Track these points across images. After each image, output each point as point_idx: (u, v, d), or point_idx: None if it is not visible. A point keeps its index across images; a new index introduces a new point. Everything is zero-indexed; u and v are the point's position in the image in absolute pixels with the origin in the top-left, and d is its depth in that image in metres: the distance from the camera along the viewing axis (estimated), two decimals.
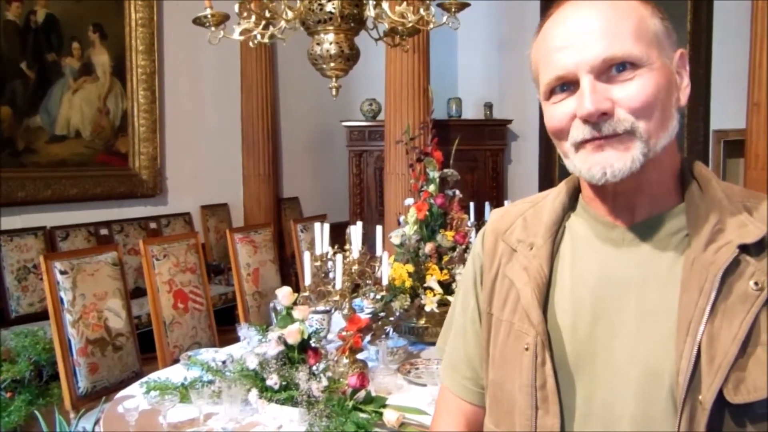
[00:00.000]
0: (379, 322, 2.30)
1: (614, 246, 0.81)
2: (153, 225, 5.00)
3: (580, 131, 0.76)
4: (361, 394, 1.78)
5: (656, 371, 0.74)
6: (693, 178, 0.81)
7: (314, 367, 1.87)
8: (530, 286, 0.83)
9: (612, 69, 0.75)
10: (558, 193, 0.90)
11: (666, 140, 0.77)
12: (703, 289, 0.72)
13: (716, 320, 0.71)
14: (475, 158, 6.03)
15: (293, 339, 1.88)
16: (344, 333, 2.10)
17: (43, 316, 3.75)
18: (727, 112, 5.17)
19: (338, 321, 2.44)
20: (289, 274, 5.29)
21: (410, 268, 2.40)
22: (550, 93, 0.80)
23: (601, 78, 0.75)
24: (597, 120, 0.75)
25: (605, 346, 0.78)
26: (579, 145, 0.77)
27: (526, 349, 0.81)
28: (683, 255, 0.76)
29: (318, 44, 2.10)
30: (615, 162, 0.75)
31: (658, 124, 0.75)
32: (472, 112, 6.37)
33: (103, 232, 4.64)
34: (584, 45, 0.75)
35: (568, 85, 0.78)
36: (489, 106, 6.24)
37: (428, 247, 2.49)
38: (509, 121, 6.21)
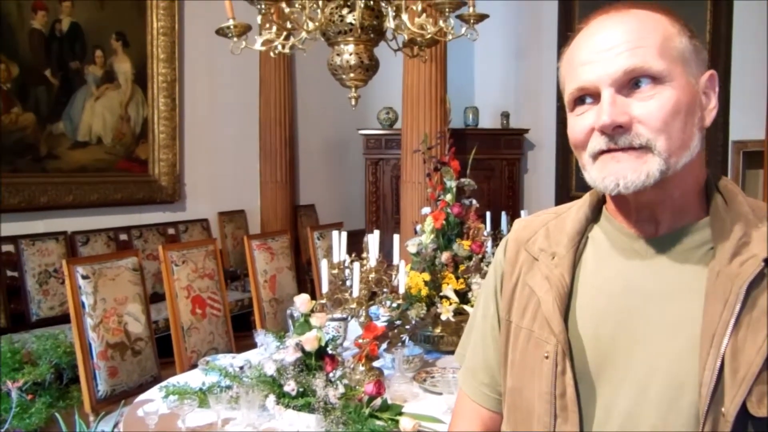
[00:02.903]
0: (396, 331, 2.31)
1: (638, 257, 0.82)
2: (171, 231, 5.06)
3: (597, 142, 0.78)
4: (378, 401, 1.80)
5: (679, 382, 0.74)
6: (718, 193, 0.82)
7: (331, 374, 1.89)
8: (552, 294, 0.84)
9: (633, 83, 0.76)
10: (582, 204, 0.91)
11: (687, 159, 0.77)
12: (727, 302, 0.72)
13: (740, 333, 0.71)
14: (491, 167, 6.03)
15: (311, 346, 1.90)
16: (361, 341, 2.12)
17: (62, 319, 3.81)
18: (746, 123, 5.13)
19: (354, 328, 2.46)
20: (304, 281, 5.32)
21: (426, 276, 2.41)
22: (574, 105, 0.82)
23: (623, 92, 0.76)
24: (613, 132, 0.76)
25: (627, 355, 0.78)
26: (596, 156, 0.79)
27: (546, 357, 0.82)
28: (707, 267, 0.76)
29: (338, 55, 2.13)
30: (629, 174, 0.76)
31: (678, 142, 0.76)
32: (488, 121, 6.37)
33: (123, 237, 4.70)
34: (608, 59, 0.77)
35: (591, 97, 0.79)
36: (506, 116, 6.25)
37: (445, 256, 2.50)
38: (526, 131, 6.20)
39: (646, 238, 0.82)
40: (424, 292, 2.38)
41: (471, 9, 2.12)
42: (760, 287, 0.73)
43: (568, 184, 6.14)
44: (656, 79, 0.76)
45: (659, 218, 0.81)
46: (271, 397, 1.84)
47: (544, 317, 0.84)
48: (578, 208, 0.91)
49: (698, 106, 0.79)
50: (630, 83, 0.76)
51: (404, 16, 2.12)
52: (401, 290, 2.28)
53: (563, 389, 0.80)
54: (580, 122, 0.81)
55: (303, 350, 1.91)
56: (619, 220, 0.86)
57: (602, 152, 0.78)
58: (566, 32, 6.15)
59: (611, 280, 0.83)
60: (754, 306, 0.72)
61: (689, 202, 0.81)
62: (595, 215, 0.90)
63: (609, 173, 0.77)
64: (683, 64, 0.78)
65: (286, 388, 1.84)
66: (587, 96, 0.80)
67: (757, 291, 0.72)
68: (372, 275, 2.30)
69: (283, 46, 2.14)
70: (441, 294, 2.43)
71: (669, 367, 0.75)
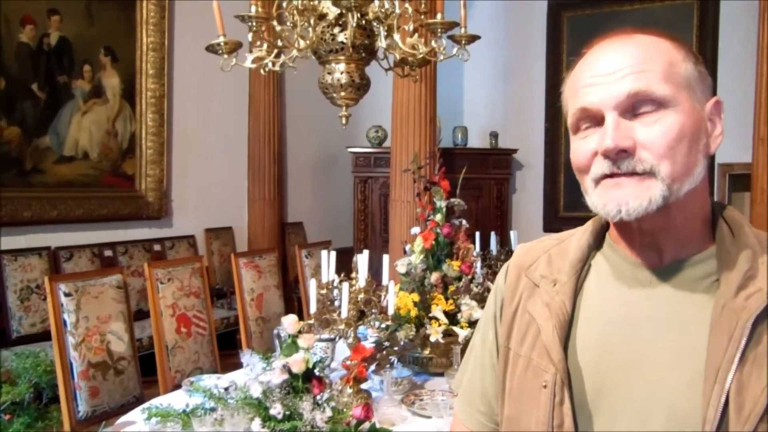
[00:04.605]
0: (384, 352, 2.28)
1: (641, 286, 0.80)
2: (157, 247, 5.00)
3: (600, 167, 0.77)
4: (366, 425, 1.76)
5: (681, 415, 0.72)
6: (725, 223, 0.80)
7: (318, 397, 1.85)
8: (552, 322, 0.82)
9: (637, 106, 0.75)
10: (584, 231, 0.89)
11: (690, 186, 0.76)
12: (733, 336, 0.71)
13: (746, 368, 0.70)
14: (479, 187, 6.03)
15: (298, 368, 1.86)
16: (349, 362, 2.09)
17: (44, 336, 3.74)
18: (732, 146, 5.16)
19: (342, 349, 2.42)
20: (291, 300, 5.27)
21: (416, 297, 2.39)
22: (577, 127, 0.81)
23: (626, 116, 0.75)
24: (616, 157, 0.75)
25: (627, 385, 0.76)
26: (598, 181, 0.77)
27: (545, 386, 0.80)
28: (712, 299, 0.75)
29: (329, 73, 2.12)
30: (631, 200, 0.74)
31: (682, 168, 0.75)
32: (477, 140, 6.39)
33: (108, 253, 4.64)
34: (611, 82, 0.76)
35: (593, 120, 0.78)
36: (494, 135, 6.27)
37: (434, 277, 2.48)
38: (514, 151, 6.23)
39: (650, 267, 0.80)
40: (413, 312, 2.36)
41: (462, 30, 2.12)
42: (766, 322, 0.71)
43: (557, 204, 6.15)
44: (661, 103, 0.75)
45: (663, 246, 0.80)
46: (257, 421, 1.80)
47: (543, 345, 0.82)
48: (581, 234, 0.89)
49: (703, 132, 0.78)
50: (634, 107, 0.75)
51: (396, 36, 2.12)
52: (390, 311, 2.25)
53: (561, 420, 0.78)
54: (583, 146, 0.79)
55: (290, 372, 1.87)
56: (622, 248, 0.84)
57: (604, 177, 0.76)
58: (554, 54, 6.23)
59: (614, 308, 0.81)
60: (759, 341, 0.70)
61: (694, 231, 0.80)
62: (598, 242, 0.88)
63: (611, 199, 0.76)
64: (688, 89, 0.77)
65: (273, 411, 1.80)
66: (590, 119, 0.78)
67: (763, 326, 0.71)
68: (361, 296, 2.28)
69: (274, 64, 2.12)
70: (430, 315, 2.41)
71: (671, 398, 0.73)
